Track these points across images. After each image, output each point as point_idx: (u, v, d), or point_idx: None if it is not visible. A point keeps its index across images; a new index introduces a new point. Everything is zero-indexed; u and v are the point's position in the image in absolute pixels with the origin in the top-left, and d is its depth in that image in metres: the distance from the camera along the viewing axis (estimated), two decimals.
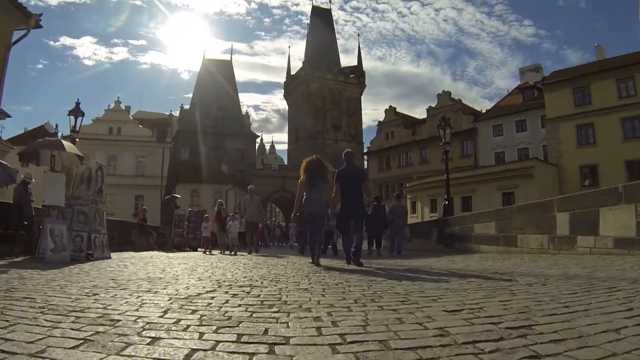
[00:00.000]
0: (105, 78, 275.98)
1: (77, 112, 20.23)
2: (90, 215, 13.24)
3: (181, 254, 17.18)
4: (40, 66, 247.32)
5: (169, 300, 4.38)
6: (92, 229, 13.23)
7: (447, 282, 6.12)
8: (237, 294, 4.82)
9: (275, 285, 5.70)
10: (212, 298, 4.52)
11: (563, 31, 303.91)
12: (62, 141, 13.59)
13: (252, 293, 4.92)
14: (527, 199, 22.52)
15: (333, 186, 10.79)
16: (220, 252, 18.76)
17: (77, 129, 20.29)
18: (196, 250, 22.86)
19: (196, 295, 4.69)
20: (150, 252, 19.39)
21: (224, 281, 6.25)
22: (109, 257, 13.40)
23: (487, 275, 6.94)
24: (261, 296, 4.70)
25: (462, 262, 11.08)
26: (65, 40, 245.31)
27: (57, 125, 67.12)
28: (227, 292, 4.97)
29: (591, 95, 43.80)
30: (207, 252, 19.47)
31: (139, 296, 4.65)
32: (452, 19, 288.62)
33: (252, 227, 19.27)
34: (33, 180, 14.12)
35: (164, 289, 5.30)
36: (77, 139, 20.25)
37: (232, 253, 18.25)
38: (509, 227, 14.87)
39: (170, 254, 16.94)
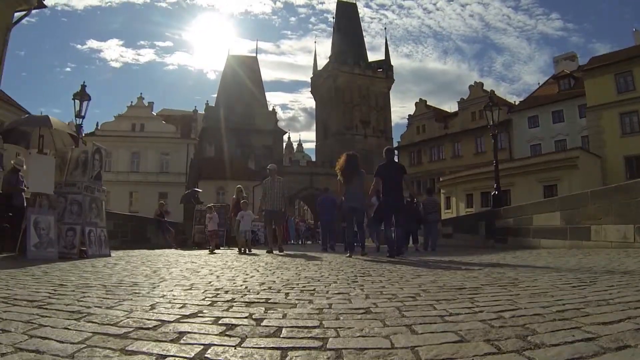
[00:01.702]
0: (132, 79, 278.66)
1: (82, 95, 18.32)
2: (84, 205, 11.17)
3: (197, 252, 14.84)
4: (68, 69, 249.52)
5: (81, 341, 2.20)
6: (86, 221, 11.14)
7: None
8: (234, 325, 2.55)
9: (309, 302, 3.43)
10: (178, 338, 2.29)
11: (591, 24, 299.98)
12: (51, 118, 11.41)
13: (265, 322, 2.67)
14: (571, 191, 20.35)
15: (370, 181, 11.48)
16: (239, 252, 14.57)
17: (83, 114, 18.29)
18: (219, 248, 20.66)
19: (151, 328, 2.47)
20: (166, 249, 17.25)
21: (227, 292, 4.08)
22: (108, 255, 11.45)
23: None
24: (282, 333, 2.42)
25: (533, 258, 9.14)
26: (92, 43, 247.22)
27: (81, 125, 66.40)
28: (217, 320, 2.72)
29: (635, 81, 41.26)
30: (210, 250, 15.86)
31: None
32: (479, 14, 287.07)
33: (274, 218, 15.03)
34: (24, 167, 12.10)
35: (108, 310, 3.04)
36: (83, 125, 18.31)
37: (247, 251, 14.49)
38: (580, 217, 12.56)
39: (186, 252, 14.79)
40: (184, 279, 5.36)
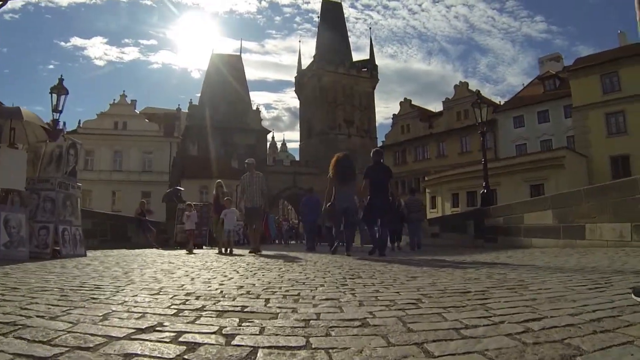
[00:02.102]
0: (116, 78, 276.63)
1: (59, 89, 17.66)
2: (58, 203, 10.57)
3: (178, 252, 14.20)
4: (52, 67, 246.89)
5: None
6: (60, 219, 10.56)
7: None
8: (197, 345, 1.99)
9: (292, 311, 2.87)
10: None
11: (575, 26, 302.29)
12: (23, 109, 10.77)
13: (237, 339, 2.12)
14: (558, 191, 20.01)
15: (361, 182, 11.67)
16: (219, 252, 13.98)
17: (60, 108, 17.61)
18: (201, 248, 20.03)
19: (91, 348, 1.91)
20: (147, 249, 16.62)
21: (199, 297, 3.52)
22: (83, 255, 10.87)
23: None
24: (258, 356, 1.84)
25: (528, 258, 8.67)
26: (76, 40, 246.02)
27: (64, 123, 65.81)
28: (178, 337, 2.16)
29: (620, 81, 41.31)
30: (188, 250, 14.83)
31: None
32: (464, 16, 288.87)
33: (253, 216, 14.19)
34: None
35: (50, 321, 2.48)
36: (60, 120, 17.67)
37: (229, 252, 13.69)
38: (573, 216, 12.20)
39: (166, 252, 14.21)
40: (155, 281, 4.82)
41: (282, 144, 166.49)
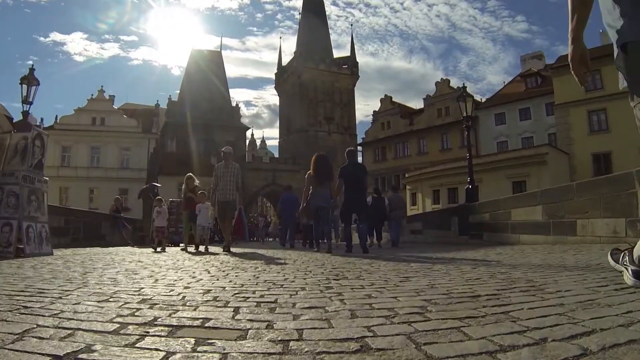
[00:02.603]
0: (96, 74, 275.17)
1: (30, 79, 16.91)
2: (22, 197, 9.92)
3: (150, 250, 13.54)
4: (30, 62, 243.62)
5: None
6: (24, 215, 9.89)
7: None
8: None
9: (267, 327, 2.24)
10: None
11: (555, 27, 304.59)
12: None
13: None
14: (540, 187, 19.61)
15: (337, 182, 11.97)
16: (183, 249, 13.70)
17: (31, 99, 16.84)
18: (178, 246, 19.39)
19: None
20: (121, 247, 15.92)
21: (153, 306, 2.88)
22: (49, 253, 10.22)
23: None
24: None
25: (520, 255, 8.07)
26: (56, 36, 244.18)
27: (42, 119, 64.98)
28: None
29: (602, 80, 41.13)
30: (160, 249, 14.12)
31: None
32: (445, 15, 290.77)
33: (226, 210, 13.13)
34: None
35: None
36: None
37: (202, 249, 13.10)
38: (564, 211, 11.66)
39: (139, 250, 13.52)
40: (112, 284, 4.18)
41: (261, 141, 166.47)
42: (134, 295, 3.39)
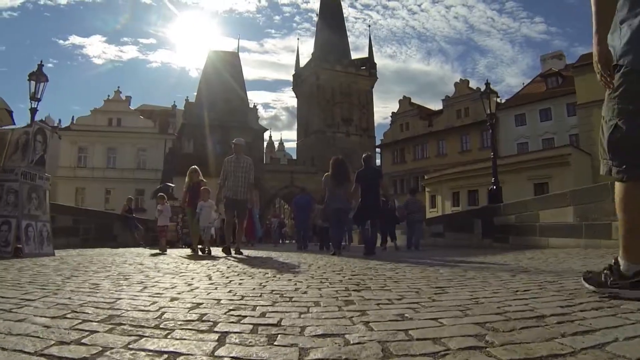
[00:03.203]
0: (114, 76, 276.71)
1: (38, 75, 16.35)
2: (22, 195, 9.41)
3: (153, 251, 12.91)
4: (50, 65, 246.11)
5: None
6: (23, 213, 9.38)
7: None
8: None
9: None
10: None
11: (574, 28, 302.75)
12: None
13: None
14: (563, 189, 18.74)
15: (353, 184, 12.11)
16: (193, 252, 12.36)
17: (39, 96, 16.26)
18: (190, 247, 18.83)
19: None
20: (133, 248, 15.30)
21: (115, 327, 2.11)
22: (51, 254, 9.70)
23: None
24: None
25: (555, 260, 7.46)
26: (75, 39, 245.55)
27: (60, 120, 65.03)
28: None
29: None
30: (161, 250, 13.50)
31: None
32: (463, 16, 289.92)
33: (236, 209, 11.82)
34: None
35: None
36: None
37: (205, 252, 11.87)
38: (597, 213, 10.92)
39: (147, 252, 12.89)
40: (90, 291, 3.52)
41: (279, 143, 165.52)
42: (103, 309, 2.70)
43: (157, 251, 13.23)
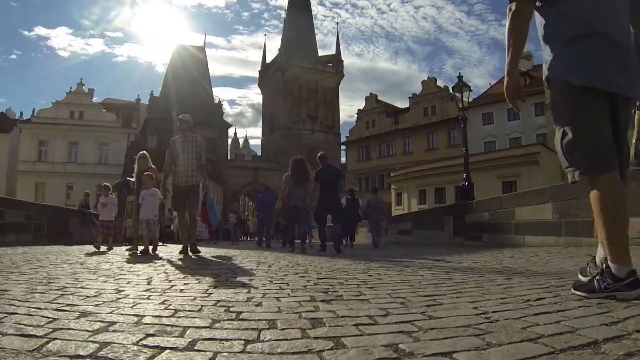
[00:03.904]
0: (80, 70, 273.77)
1: None
2: None
3: (118, 250, 11.69)
4: (14, 57, 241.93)
5: None
6: None
7: None
8: None
9: None
10: None
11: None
12: None
13: None
14: (532, 188, 18.48)
15: (313, 183, 12.32)
16: (130, 249, 10.55)
17: None
18: (165, 245, 17.84)
19: None
20: (86, 246, 14.08)
21: None
22: None
23: None
24: None
25: (538, 259, 7.06)
26: (40, 30, 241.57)
27: (22, 113, 63.36)
28: None
29: None
30: (106, 247, 11.91)
31: None
32: (432, 17, 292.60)
33: (188, 198, 9.80)
34: None
35: None
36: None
37: (151, 251, 9.90)
38: (579, 209, 10.33)
39: (100, 249, 11.59)
40: None
41: (244, 140, 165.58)
42: None
43: (121, 248, 12.07)
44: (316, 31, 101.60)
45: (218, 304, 2.85)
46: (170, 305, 2.81)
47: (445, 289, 3.54)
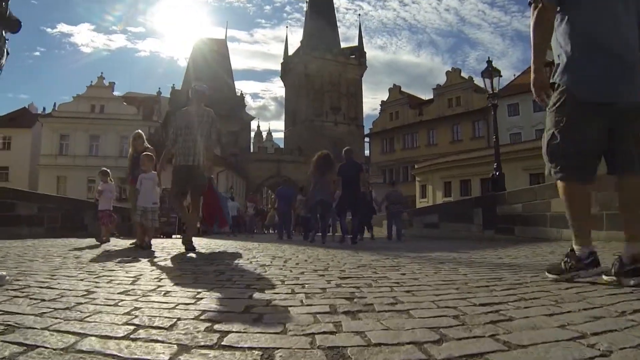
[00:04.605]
0: (103, 66, 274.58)
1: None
2: None
3: (124, 243, 10.95)
4: (37, 54, 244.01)
5: None
6: None
7: None
8: None
9: None
10: None
11: None
12: None
13: None
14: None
15: (336, 178, 12.71)
16: (134, 244, 8.93)
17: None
18: (170, 237, 17.81)
19: None
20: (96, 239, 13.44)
21: None
22: None
23: None
24: None
25: None
26: (63, 27, 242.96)
27: (44, 109, 63.36)
28: None
29: None
30: (104, 239, 10.57)
31: None
32: (454, 9, 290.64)
33: (189, 181, 8.02)
34: None
35: None
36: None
37: (146, 245, 8.32)
38: None
39: (110, 242, 10.68)
40: None
41: (267, 133, 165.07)
42: None
43: (129, 241, 11.06)
44: (338, 24, 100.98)
45: (201, 317, 2.10)
46: (135, 317, 2.06)
47: (503, 295, 2.79)
